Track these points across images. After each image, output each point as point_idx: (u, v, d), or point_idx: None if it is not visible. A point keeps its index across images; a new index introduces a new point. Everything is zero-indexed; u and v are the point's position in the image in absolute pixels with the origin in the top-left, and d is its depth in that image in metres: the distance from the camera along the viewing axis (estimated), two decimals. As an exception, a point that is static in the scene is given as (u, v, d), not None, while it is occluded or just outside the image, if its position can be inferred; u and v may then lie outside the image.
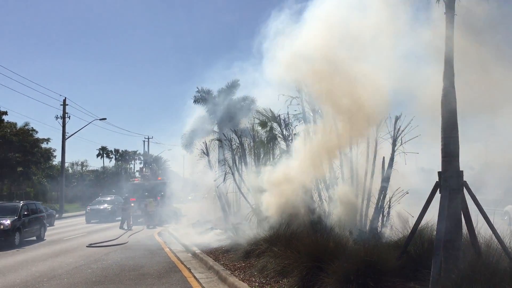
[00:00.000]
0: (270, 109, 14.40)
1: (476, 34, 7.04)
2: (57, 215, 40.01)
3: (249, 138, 17.85)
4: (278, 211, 11.96)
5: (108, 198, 35.83)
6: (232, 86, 33.23)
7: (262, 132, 16.19)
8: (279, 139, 14.42)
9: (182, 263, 12.11)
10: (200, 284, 9.29)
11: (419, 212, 7.00)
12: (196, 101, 33.72)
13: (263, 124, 14.95)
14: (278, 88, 13.30)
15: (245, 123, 26.55)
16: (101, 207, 33.07)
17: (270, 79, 14.02)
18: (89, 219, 31.82)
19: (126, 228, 24.93)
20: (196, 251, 13.45)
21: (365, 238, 9.46)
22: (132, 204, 28.28)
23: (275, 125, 14.23)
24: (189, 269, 10.99)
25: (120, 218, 27.19)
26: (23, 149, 39.43)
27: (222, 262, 10.95)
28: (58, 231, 24.37)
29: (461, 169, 6.57)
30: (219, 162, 20.02)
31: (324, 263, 7.34)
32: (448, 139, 6.49)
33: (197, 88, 33.41)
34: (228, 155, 18.14)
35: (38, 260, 13.26)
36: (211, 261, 11.25)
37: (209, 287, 8.97)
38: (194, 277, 10.04)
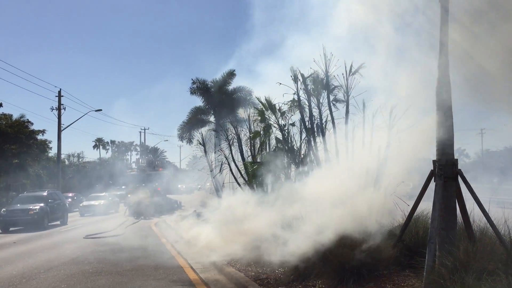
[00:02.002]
0: (265, 98, 14.30)
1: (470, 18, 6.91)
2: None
3: (246, 128, 17.83)
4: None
5: (44, 194, 24.61)
6: (228, 77, 33.23)
7: (258, 122, 16.13)
8: (274, 128, 14.37)
9: (179, 253, 12.14)
10: (197, 274, 9.32)
11: (414, 201, 7.03)
12: (193, 92, 33.70)
13: (261, 114, 14.78)
14: (276, 78, 13.16)
15: (241, 113, 26.45)
16: (29, 206, 22.31)
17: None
18: (5, 227, 21.82)
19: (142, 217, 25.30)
20: (192, 242, 13.46)
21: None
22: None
23: (270, 114, 14.15)
24: (185, 259, 11.01)
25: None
26: (18, 141, 39.29)
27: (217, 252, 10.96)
28: None
29: (456, 157, 6.58)
30: (215, 152, 20.01)
31: (319, 252, 7.38)
32: (442, 128, 6.48)
33: (192, 79, 33.37)
34: (224, 145, 18.14)
35: (35, 252, 13.28)
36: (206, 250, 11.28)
37: (205, 276, 9.00)
38: (191, 267, 10.06)
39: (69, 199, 35.83)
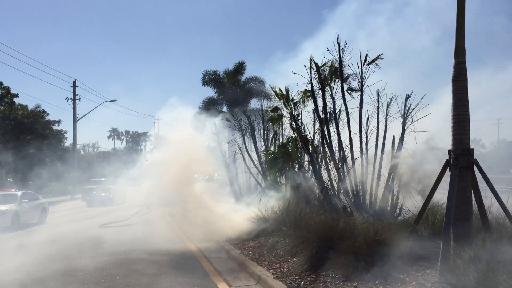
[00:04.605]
0: (280, 89, 14.18)
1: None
2: (69, 197, 40.68)
3: (259, 118, 17.77)
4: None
5: None
6: (239, 68, 33.45)
7: (272, 112, 16.00)
8: (285, 118, 14.27)
9: (191, 241, 12.21)
10: (211, 263, 9.37)
11: (429, 191, 6.96)
12: (205, 83, 34.03)
13: (279, 97, 14.50)
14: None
15: (254, 103, 26.32)
16: None
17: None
18: None
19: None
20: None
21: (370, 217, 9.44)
22: None
23: (285, 103, 14.01)
24: (199, 249, 11.07)
25: None
26: (34, 131, 39.83)
27: (232, 242, 11.02)
28: None
29: (471, 147, 6.49)
30: (228, 142, 20.02)
31: (333, 242, 7.37)
32: (458, 117, 6.39)
33: (203, 73, 33.73)
34: (237, 135, 18.12)
35: (51, 241, 13.40)
36: (221, 241, 11.33)
37: (219, 266, 9.04)
38: (205, 256, 10.11)
39: None
